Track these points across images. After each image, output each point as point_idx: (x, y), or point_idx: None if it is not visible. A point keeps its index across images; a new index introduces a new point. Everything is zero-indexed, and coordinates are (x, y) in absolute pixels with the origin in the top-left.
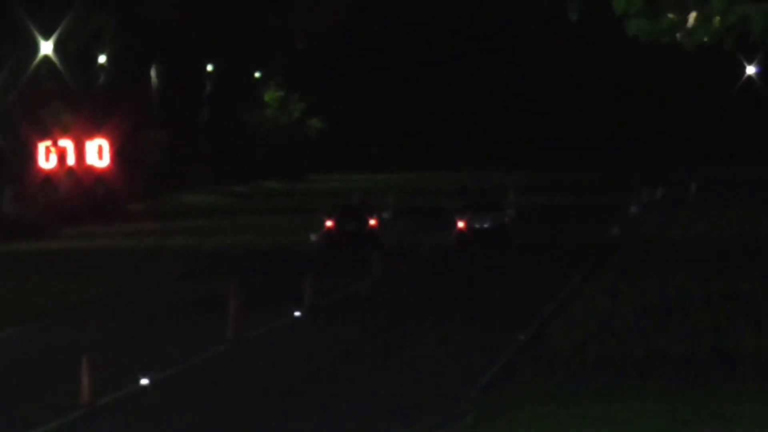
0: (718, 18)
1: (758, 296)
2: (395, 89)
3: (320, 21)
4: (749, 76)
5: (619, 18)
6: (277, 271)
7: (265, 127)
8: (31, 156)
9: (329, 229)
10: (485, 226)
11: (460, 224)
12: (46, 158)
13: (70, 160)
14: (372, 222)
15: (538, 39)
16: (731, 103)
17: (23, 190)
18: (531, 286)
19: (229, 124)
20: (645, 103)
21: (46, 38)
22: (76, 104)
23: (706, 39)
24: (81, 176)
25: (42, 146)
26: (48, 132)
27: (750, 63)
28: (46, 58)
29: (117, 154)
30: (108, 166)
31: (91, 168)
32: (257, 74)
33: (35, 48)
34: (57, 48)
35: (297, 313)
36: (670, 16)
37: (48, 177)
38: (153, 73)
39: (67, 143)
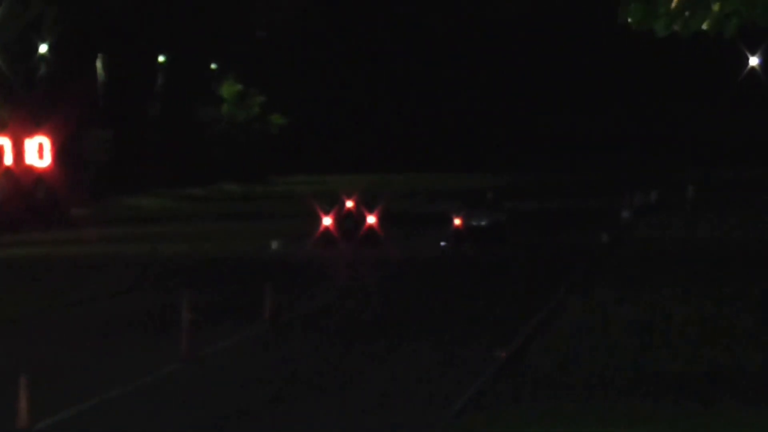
0: (718, 3)
1: (759, 310)
2: (365, 82)
3: (282, 8)
4: (752, 68)
5: (610, 4)
6: (235, 282)
7: (222, 124)
8: None
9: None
10: (482, 223)
11: (457, 222)
12: None
13: (8, 159)
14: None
15: (522, 30)
16: (732, 97)
17: None
18: (512, 298)
19: (183, 120)
20: (637, 98)
21: None
22: (13, 98)
23: (705, 27)
24: (19, 177)
25: None
26: None
27: (753, 53)
28: None
29: (59, 153)
30: (49, 167)
31: (30, 168)
32: (213, 66)
33: None
34: None
35: (256, 329)
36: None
37: None
38: (99, 64)
39: (3, 141)
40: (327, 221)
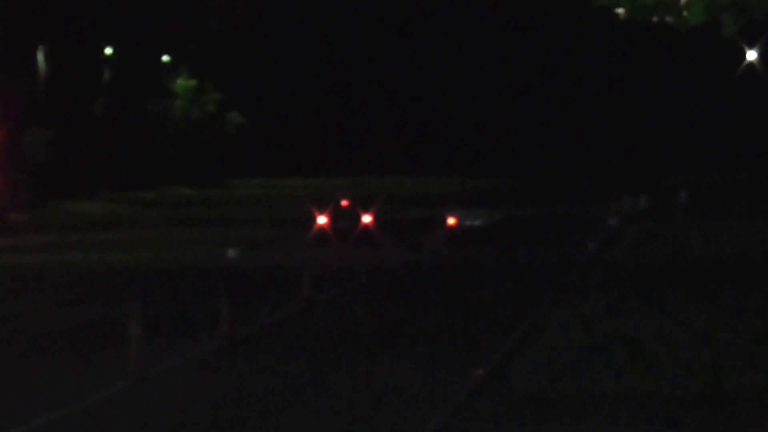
0: None
1: (757, 326)
2: (330, 79)
3: None
4: (750, 63)
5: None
6: (188, 293)
7: (175, 122)
8: None
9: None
10: (476, 223)
11: (450, 221)
12: None
13: None
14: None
15: (503, 27)
16: (729, 95)
17: None
18: (489, 312)
19: (132, 118)
20: (626, 96)
21: None
22: None
23: (702, 18)
24: None
25: None
26: None
27: (752, 47)
28: None
29: None
30: None
31: None
32: (165, 59)
33: None
34: None
35: (210, 345)
36: None
37: None
38: (40, 57)
39: None
40: (322, 220)
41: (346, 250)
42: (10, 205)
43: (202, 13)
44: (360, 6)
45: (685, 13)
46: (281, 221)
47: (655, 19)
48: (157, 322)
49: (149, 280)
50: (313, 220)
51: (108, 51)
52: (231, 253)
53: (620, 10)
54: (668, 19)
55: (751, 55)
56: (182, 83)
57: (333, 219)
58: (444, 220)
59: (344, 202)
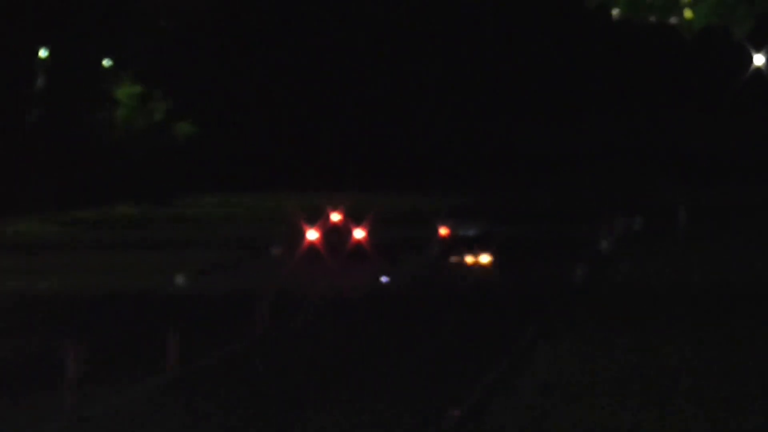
0: None
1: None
2: (292, 86)
3: None
4: (757, 68)
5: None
6: (132, 324)
7: (117, 133)
8: None
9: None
10: (470, 233)
11: (443, 231)
12: None
13: None
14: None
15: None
16: (733, 103)
17: None
18: (470, 343)
19: (69, 128)
20: (618, 104)
21: None
22: None
23: (709, 21)
24: None
25: None
26: None
27: (759, 50)
28: None
29: None
30: None
31: None
32: (106, 63)
33: None
34: None
35: (156, 382)
36: None
37: None
38: None
39: None
40: (313, 235)
41: (337, 268)
42: None
43: (148, 12)
44: (344, 7)
45: (686, 13)
46: (236, 241)
47: (653, 19)
48: (97, 357)
49: (90, 308)
50: (302, 235)
51: (42, 54)
52: (179, 278)
53: (615, 11)
54: (672, 20)
55: (759, 60)
56: (125, 90)
57: (324, 234)
58: (436, 231)
59: (336, 217)
